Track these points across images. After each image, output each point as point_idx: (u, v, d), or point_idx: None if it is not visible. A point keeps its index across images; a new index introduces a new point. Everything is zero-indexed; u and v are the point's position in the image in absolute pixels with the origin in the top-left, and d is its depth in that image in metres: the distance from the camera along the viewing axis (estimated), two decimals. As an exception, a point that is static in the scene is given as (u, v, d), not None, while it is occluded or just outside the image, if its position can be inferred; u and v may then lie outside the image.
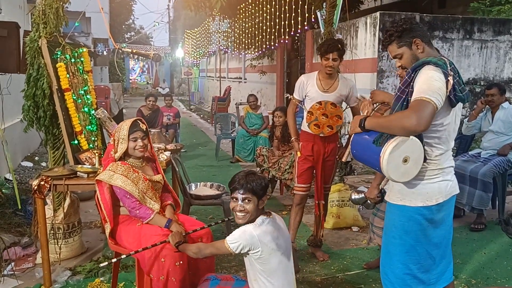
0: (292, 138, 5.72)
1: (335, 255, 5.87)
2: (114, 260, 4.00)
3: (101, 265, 4.35)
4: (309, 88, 5.47)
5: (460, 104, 3.26)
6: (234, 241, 3.34)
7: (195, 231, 4.13)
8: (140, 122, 4.36)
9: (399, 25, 3.37)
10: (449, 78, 3.02)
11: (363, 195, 5.01)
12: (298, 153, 5.56)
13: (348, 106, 5.70)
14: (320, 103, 5.33)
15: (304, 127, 5.55)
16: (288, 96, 5.82)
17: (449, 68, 3.06)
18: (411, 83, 3.12)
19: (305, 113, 5.54)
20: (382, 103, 4.07)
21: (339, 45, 5.38)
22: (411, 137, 3.04)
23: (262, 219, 3.40)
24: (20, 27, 6.02)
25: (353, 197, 5.14)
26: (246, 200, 3.38)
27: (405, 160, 3.07)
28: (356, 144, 3.41)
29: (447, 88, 3.02)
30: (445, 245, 3.48)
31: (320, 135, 5.39)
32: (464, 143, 7.79)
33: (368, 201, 4.97)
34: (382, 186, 4.72)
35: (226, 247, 3.36)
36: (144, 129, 4.36)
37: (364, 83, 10.18)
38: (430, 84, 3.00)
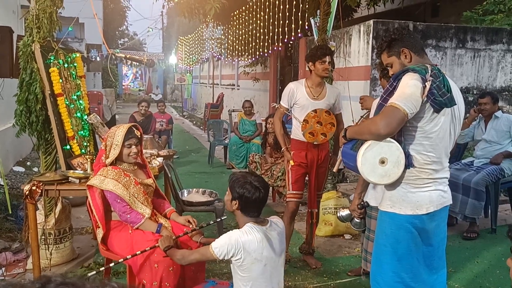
0: (283, 148, 5.70)
1: (328, 263, 5.86)
2: (102, 268, 3.99)
3: (90, 274, 4.32)
4: (299, 96, 5.46)
5: (456, 113, 3.29)
6: (219, 246, 3.31)
7: (186, 233, 4.11)
8: (135, 129, 4.34)
9: (389, 35, 3.46)
10: (426, 84, 3.07)
11: (348, 211, 4.98)
12: (291, 162, 5.53)
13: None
14: (315, 111, 5.33)
15: (296, 135, 5.53)
16: (275, 105, 5.83)
17: (428, 74, 3.10)
18: (393, 91, 3.16)
19: (293, 121, 5.54)
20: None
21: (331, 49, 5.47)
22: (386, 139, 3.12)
23: (251, 227, 3.37)
24: (14, 32, 6.01)
25: (339, 214, 5.12)
26: None
27: (383, 162, 3.15)
28: (344, 154, 3.52)
29: (424, 93, 3.05)
30: (439, 255, 3.48)
31: (315, 143, 5.39)
32: (457, 152, 7.78)
33: (355, 218, 4.93)
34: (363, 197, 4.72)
35: (211, 253, 3.33)
36: (139, 136, 4.35)
37: (357, 91, 10.17)
38: (402, 91, 3.08)
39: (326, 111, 5.36)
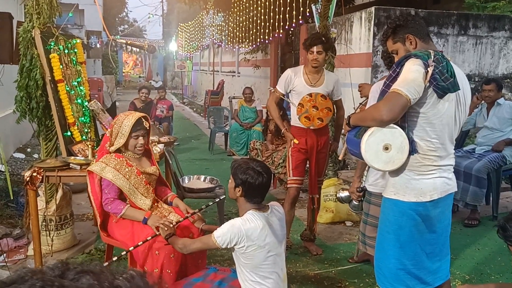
0: (283, 130, 5.68)
1: (329, 250, 5.86)
2: (115, 259, 3.93)
3: (105, 264, 4.26)
4: (296, 82, 5.44)
5: (461, 99, 3.28)
6: (222, 235, 3.29)
7: (186, 217, 4.06)
8: (144, 120, 4.24)
9: (394, 21, 3.43)
10: (428, 69, 3.05)
11: (347, 193, 5.02)
12: (295, 140, 5.49)
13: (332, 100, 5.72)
14: (310, 95, 5.31)
15: (295, 122, 5.52)
16: (271, 89, 5.81)
17: (430, 59, 3.08)
18: (396, 77, 3.15)
19: (292, 107, 5.52)
20: None
21: (323, 38, 5.36)
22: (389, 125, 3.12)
23: (252, 214, 3.35)
24: (13, 18, 5.97)
25: (338, 195, 5.16)
26: None
27: (386, 148, 3.15)
28: (349, 141, 3.52)
29: (426, 79, 3.04)
30: (442, 242, 3.47)
31: (311, 127, 5.37)
32: (459, 139, 7.77)
33: (353, 200, 4.96)
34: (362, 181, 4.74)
35: (213, 241, 3.31)
36: (147, 127, 4.27)
37: (359, 78, 10.13)
38: (405, 76, 3.07)
39: (322, 95, 5.33)
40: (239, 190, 3.38)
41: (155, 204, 4.34)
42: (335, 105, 5.69)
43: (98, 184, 4.19)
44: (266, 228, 3.34)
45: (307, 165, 5.69)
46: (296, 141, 5.48)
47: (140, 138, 4.20)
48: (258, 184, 3.34)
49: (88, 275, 0.96)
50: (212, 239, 3.32)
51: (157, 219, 4.01)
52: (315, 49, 5.30)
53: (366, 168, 4.85)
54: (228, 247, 3.31)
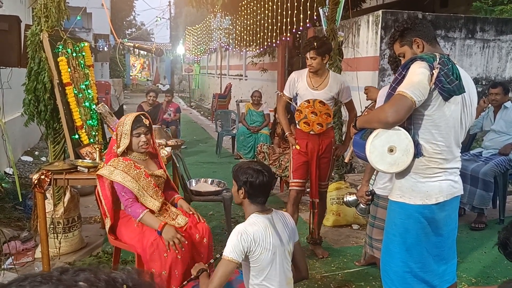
0: (286, 134, 5.69)
1: (335, 253, 5.86)
2: (186, 281, 3.73)
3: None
4: (300, 85, 5.45)
5: (467, 102, 3.28)
6: (233, 249, 3.19)
7: (201, 273, 3.55)
8: (143, 117, 4.31)
9: (402, 24, 3.45)
10: (433, 71, 3.06)
11: (355, 196, 5.01)
12: (297, 146, 5.52)
13: (342, 103, 5.71)
14: (308, 101, 5.33)
15: (298, 125, 5.53)
16: (278, 93, 5.82)
17: (436, 62, 3.09)
18: (402, 80, 3.16)
19: None
20: (376, 101, 4.12)
21: (315, 44, 5.33)
22: (394, 127, 3.13)
23: (255, 217, 3.36)
24: (21, 21, 5.99)
25: (345, 199, 5.15)
26: None
27: (391, 150, 3.15)
28: (354, 144, 3.52)
29: (432, 81, 3.05)
30: (449, 246, 3.47)
31: (311, 132, 5.38)
32: (465, 142, 7.75)
33: (361, 204, 4.96)
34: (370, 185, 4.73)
35: (229, 261, 3.17)
36: (148, 124, 4.32)
37: (366, 81, 10.14)
38: (410, 79, 3.08)
39: (320, 101, 5.33)
40: (242, 192, 3.36)
41: (164, 207, 4.35)
42: (345, 107, 5.70)
43: (109, 187, 4.24)
44: (270, 228, 3.32)
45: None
46: (297, 146, 5.50)
47: (142, 136, 4.25)
48: (259, 183, 3.33)
49: (86, 271, 1.00)
50: (227, 260, 3.19)
51: (172, 233, 3.96)
52: (308, 55, 5.33)
53: (375, 172, 4.85)
54: (244, 256, 3.23)
